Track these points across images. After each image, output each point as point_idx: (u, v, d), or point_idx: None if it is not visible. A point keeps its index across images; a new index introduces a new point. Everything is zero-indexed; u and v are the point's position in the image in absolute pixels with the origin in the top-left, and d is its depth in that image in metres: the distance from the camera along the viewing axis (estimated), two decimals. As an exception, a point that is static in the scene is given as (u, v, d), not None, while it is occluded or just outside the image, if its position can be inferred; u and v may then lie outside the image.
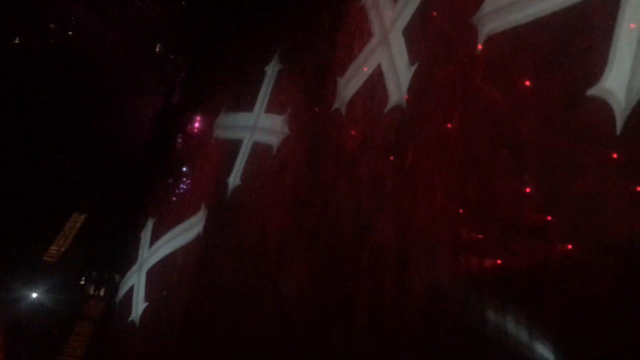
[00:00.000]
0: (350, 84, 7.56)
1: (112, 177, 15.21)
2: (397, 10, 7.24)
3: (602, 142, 4.20)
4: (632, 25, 4.14)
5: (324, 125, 8.03)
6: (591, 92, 4.40)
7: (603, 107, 4.26)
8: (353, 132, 7.36)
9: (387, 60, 7.10)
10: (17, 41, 13.67)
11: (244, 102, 10.59)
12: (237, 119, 10.83)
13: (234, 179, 10.11)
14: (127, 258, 13.01)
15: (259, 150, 9.75)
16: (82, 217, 16.47)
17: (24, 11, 13.21)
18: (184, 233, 11.05)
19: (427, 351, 5.16)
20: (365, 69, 7.45)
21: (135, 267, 11.89)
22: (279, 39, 10.19)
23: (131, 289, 11.60)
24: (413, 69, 6.53)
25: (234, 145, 10.47)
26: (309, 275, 7.14)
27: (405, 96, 6.55)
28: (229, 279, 8.94)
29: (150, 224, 12.27)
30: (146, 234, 12.17)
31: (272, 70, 10.03)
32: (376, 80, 7.17)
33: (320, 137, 8.04)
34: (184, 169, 12.77)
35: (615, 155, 4.00)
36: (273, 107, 9.79)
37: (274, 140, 9.38)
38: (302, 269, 7.31)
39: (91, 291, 15.63)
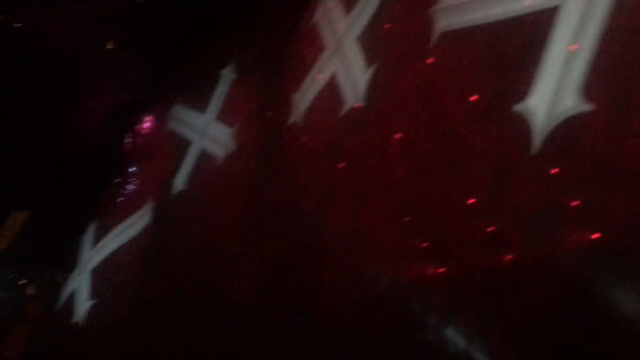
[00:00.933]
0: (306, 96, 7.62)
1: (56, 175, 14.77)
2: (349, 20, 7.36)
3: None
4: (570, 47, 4.34)
5: (276, 136, 8.05)
6: (517, 108, 4.59)
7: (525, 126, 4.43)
8: (304, 139, 7.41)
9: (341, 67, 7.18)
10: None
11: (198, 102, 10.49)
12: (190, 116, 10.71)
13: (178, 181, 10.02)
14: (69, 261, 12.65)
15: (206, 159, 9.66)
16: (23, 215, 15.92)
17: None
18: (130, 228, 10.87)
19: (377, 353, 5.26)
20: (318, 77, 7.52)
21: (77, 271, 11.56)
22: (236, 47, 10.14)
23: (73, 293, 11.24)
24: (370, 71, 6.62)
25: (182, 146, 10.36)
26: (261, 280, 7.16)
27: (357, 104, 6.63)
28: (174, 280, 8.85)
29: (92, 228, 11.97)
30: (88, 238, 11.87)
31: (227, 76, 9.96)
32: (332, 88, 7.25)
33: (272, 147, 8.06)
34: (132, 169, 12.55)
35: (555, 171, 4.17)
36: (224, 116, 9.71)
37: (219, 153, 9.33)
38: (252, 275, 7.32)
39: (30, 291, 15.12)
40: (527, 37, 4.69)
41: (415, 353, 4.90)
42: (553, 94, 4.33)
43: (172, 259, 9.24)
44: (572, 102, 4.23)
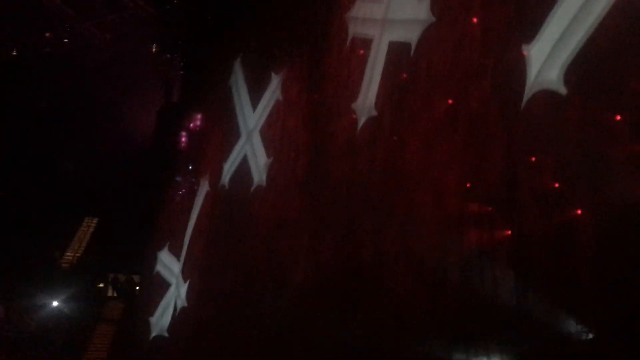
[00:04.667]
0: (368, 95, 7.33)
1: (120, 179, 15.33)
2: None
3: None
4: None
5: (331, 141, 7.99)
6: (525, 47, 4.64)
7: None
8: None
9: (395, 30, 7.01)
10: (14, 53, 13.72)
11: (252, 96, 10.44)
12: (245, 99, 10.70)
13: (226, 173, 10.23)
14: (141, 262, 13.18)
15: (243, 171, 9.75)
16: (94, 221, 16.64)
17: (19, 22, 13.23)
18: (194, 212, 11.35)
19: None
20: (377, 59, 7.40)
21: (171, 292, 11.90)
22: (285, 54, 9.75)
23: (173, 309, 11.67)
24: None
25: (235, 135, 10.51)
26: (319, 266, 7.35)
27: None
28: (239, 269, 9.17)
29: (164, 256, 12.35)
30: (165, 263, 12.28)
31: (275, 81, 9.65)
32: (390, 58, 7.13)
33: (325, 155, 8.01)
34: (190, 166, 12.86)
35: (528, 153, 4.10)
36: (266, 135, 9.60)
37: (255, 176, 9.37)
38: (311, 262, 7.52)
39: (109, 293, 15.84)
40: None
41: (488, 317, 4.89)
42: (548, 54, 4.33)
43: (234, 250, 9.53)
44: (555, 77, 4.31)
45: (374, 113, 7.04)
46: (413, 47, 6.46)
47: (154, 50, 13.72)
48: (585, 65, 4.16)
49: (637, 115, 3.80)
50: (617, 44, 3.94)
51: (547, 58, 4.38)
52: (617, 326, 3.85)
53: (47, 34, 13.62)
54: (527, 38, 4.59)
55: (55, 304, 14.45)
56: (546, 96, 4.40)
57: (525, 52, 4.59)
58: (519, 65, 4.62)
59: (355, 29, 7.83)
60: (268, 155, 9.30)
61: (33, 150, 15.33)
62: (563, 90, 4.25)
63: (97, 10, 12.97)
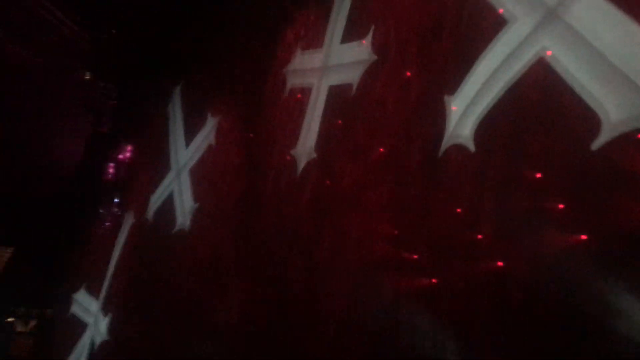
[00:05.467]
0: (308, 136, 7.41)
1: (39, 210, 14.63)
2: (325, 43, 7.40)
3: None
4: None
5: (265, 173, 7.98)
6: (446, 99, 4.81)
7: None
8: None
9: (335, 74, 7.17)
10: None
11: (189, 128, 10.27)
12: (180, 132, 10.47)
13: (151, 206, 10.02)
14: (57, 296, 12.58)
15: (168, 209, 9.61)
16: (9, 251, 15.69)
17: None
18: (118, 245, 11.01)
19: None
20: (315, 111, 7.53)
21: (88, 332, 11.38)
22: (221, 94, 9.85)
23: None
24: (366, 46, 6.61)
25: (165, 168, 10.31)
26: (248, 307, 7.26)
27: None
28: (160, 299, 8.94)
29: (81, 296, 11.82)
30: (82, 303, 11.75)
31: (211, 122, 9.60)
32: (329, 110, 7.27)
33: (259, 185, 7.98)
34: (116, 199, 12.51)
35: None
36: (197, 176, 9.50)
37: (178, 218, 9.26)
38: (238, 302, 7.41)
39: (19, 328, 14.88)
40: (479, 29, 4.76)
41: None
42: (465, 109, 4.55)
43: (160, 287, 9.28)
44: (467, 133, 4.56)
45: (314, 156, 7.12)
46: (354, 87, 6.58)
47: (86, 77, 13.36)
48: (495, 124, 4.34)
49: (548, 173, 4.02)
50: (528, 105, 4.15)
51: (463, 113, 4.55)
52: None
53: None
54: (452, 89, 4.77)
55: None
56: (459, 151, 4.57)
57: (448, 104, 4.76)
58: (443, 117, 4.81)
59: (294, 80, 7.95)
60: (195, 200, 9.15)
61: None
62: (472, 147, 4.41)
63: (27, 33, 12.56)
